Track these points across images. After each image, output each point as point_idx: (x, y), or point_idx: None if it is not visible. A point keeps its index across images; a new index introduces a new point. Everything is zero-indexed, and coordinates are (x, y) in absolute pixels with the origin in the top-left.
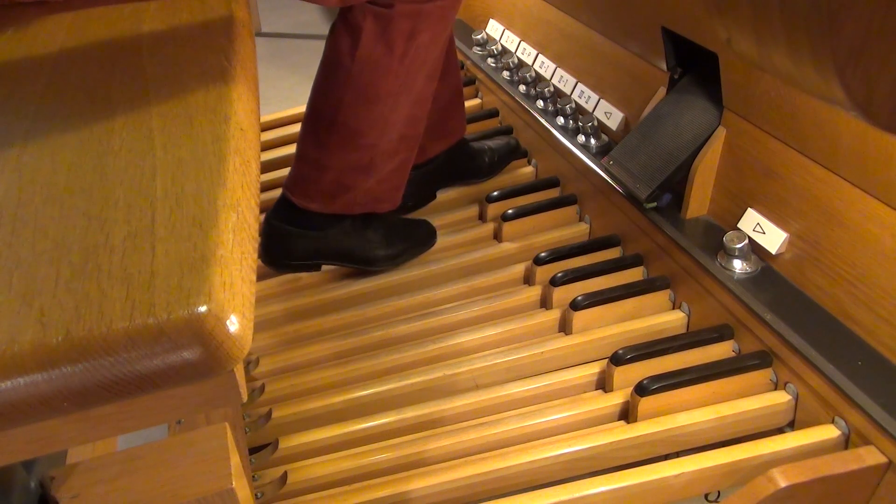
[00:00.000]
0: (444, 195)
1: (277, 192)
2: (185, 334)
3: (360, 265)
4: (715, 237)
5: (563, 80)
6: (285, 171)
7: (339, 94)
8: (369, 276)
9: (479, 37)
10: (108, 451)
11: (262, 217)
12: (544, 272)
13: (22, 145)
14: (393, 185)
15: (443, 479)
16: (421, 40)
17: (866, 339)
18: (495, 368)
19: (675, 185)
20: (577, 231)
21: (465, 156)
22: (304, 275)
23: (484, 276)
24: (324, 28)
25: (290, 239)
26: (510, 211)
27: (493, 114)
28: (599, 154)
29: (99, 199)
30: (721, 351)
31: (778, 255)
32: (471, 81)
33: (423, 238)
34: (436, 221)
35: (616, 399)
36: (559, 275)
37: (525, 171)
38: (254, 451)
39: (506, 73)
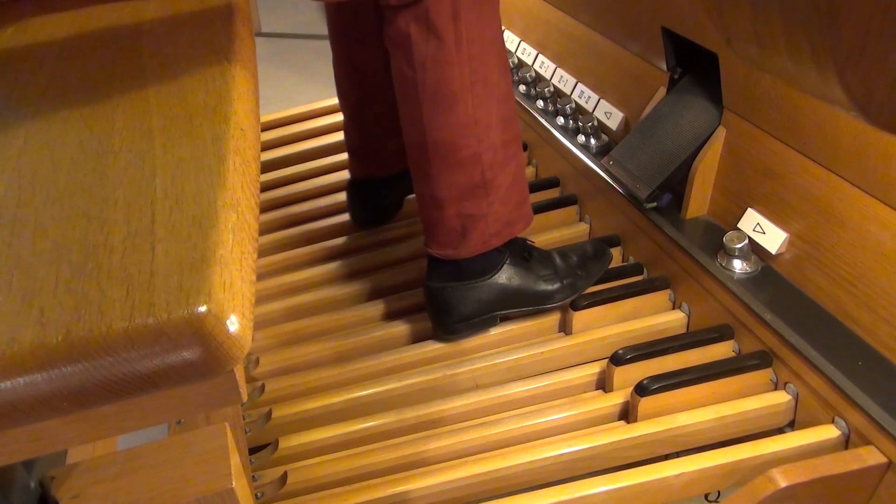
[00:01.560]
0: None
1: (277, 192)
2: (185, 334)
3: (537, 305)
4: (715, 237)
5: (563, 80)
6: (285, 171)
7: (417, 112)
8: (369, 276)
9: None
10: (108, 451)
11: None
12: None
13: (22, 145)
14: (518, 201)
15: (443, 479)
16: (467, 18)
17: (866, 339)
18: (495, 368)
19: (675, 185)
20: (577, 231)
21: None
22: (303, 274)
23: None
24: (324, 28)
25: (452, 296)
26: None
27: None
28: (599, 154)
29: (99, 199)
30: (721, 351)
31: (778, 255)
32: None
33: (593, 255)
34: None
35: (616, 399)
36: None
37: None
38: (254, 451)
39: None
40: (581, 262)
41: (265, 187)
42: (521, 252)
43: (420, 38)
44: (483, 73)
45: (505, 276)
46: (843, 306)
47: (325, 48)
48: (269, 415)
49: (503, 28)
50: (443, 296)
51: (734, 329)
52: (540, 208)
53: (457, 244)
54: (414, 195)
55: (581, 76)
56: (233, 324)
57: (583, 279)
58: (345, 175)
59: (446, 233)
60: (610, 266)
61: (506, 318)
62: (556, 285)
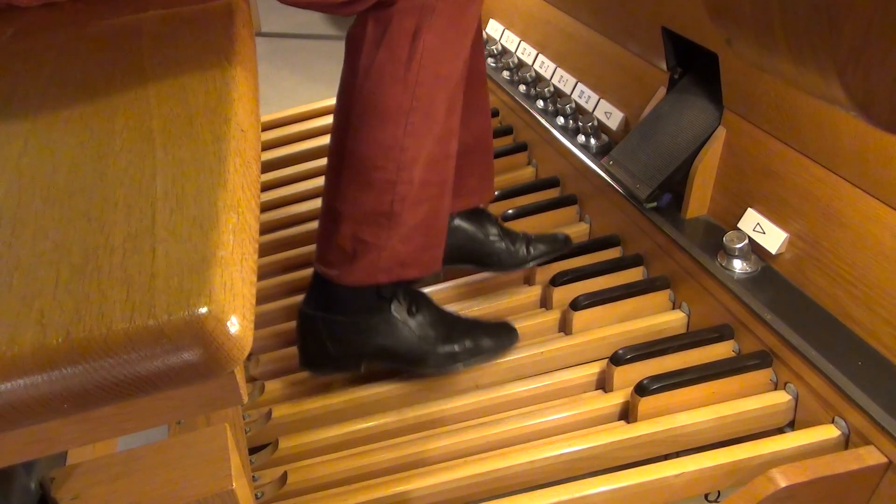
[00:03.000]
0: None
1: (277, 192)
2: (186, 336)
3: (408, 365)
4: (715, 237)
5: (563, 80)
6: (285, 171)
7: (347, 118)
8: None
9: None
10: (109, 452)
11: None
12: (544, 272)
13: (22, 146)
14: (423, 244)
15: (443, 479)
16: (427, 43)
17: (866, 339)
18: (495, 368)
19: (675, 185)
20: (577, 231)
21: (477, 234)
22: (303, 273)
23: (484, 276)
24: (324, 28)
25: (321, 328)
26: (510, 211)
27: (494, 114)
28: (599, 154)
29: (99, 200)
30: (721, 351)
31: (778, 255)
32: None
33: (491, 332)
34: None
35: (616, 399)
36: (559, 275)
37: (525, 172)
38: (254, 451)
39: (506, 73)
40: (472, 334)
41: (265, 187)
42: (409, 304)
43: (372, 43)
44: (427, 104)
45: (382, 323)
46: (843, 306)
47: (325, 48)
48: (269, 415)
49: (503, 28)
50: (312, 325)
51: (734, 329)
52: (540, 208)
53: (343, 266)
54: None
55: (581, 76)
56: (233, 325)
57: (466, 353)
58: None
59: (336, 251)
60: (609, 260)
61: (370, 367)
62: (435, 349)
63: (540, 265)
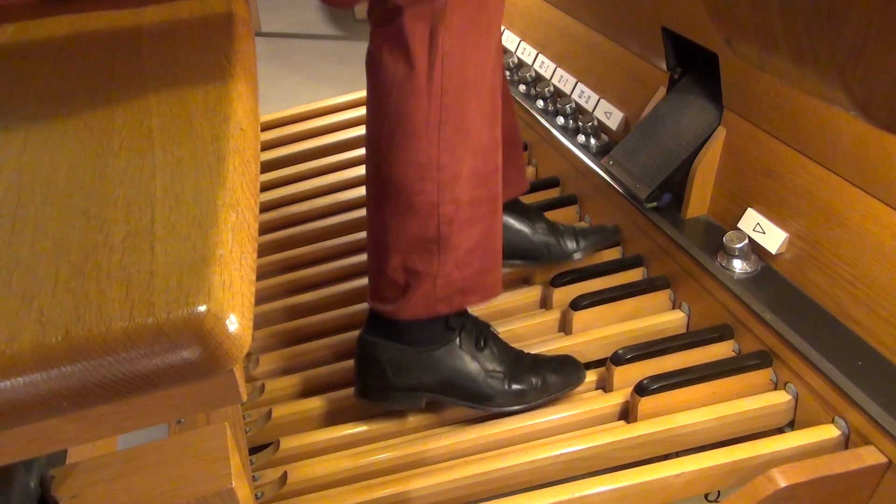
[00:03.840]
0: None
1: (277, 192)
2: (185, 334)
3: (474, 402)
4: (715, 237)
5: (563, 80)
6: (285, 171)
7: (377, 141)
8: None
9: None
10: (108, 450)
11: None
12: (544, 273)
13: (22, 145)
14: (480, 269)
15: (443, 479)
16: (446, 47)
17: (866, 339)
18: None
19: (675, 185)
20: None
21: (524, 229)
22: (303, 273)
23: None
24: (324, 28)
25: (382, 355)
26: None
27: None
28: (599, 154)
29: (98, 199)
30: (721, 351)
31: (778, 255)
32: None
33: (559, 368)
34: None
35: (616, 399)
36: (559, 275)
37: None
38: (254, 451)
39: (506, 73)
40: (540, 371)
41: (265, 187)
42: (476, 336)
43: (390, 59)
44: (457, 115)
45: (448, 356)
46: (843, 306)
47: (326, 48)
48: (269, 415)
49: (503, 28)
50: (374, 352)
51: (734, 329)
52: (540, 208)
53: (397, 301)
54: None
55: (581, 76)
56: (232, 323)
57: (535, 391)
58: (345, 175)
59: (388, 285)
60: (609, 261)
61: (431, 402)
62: (503, 387)
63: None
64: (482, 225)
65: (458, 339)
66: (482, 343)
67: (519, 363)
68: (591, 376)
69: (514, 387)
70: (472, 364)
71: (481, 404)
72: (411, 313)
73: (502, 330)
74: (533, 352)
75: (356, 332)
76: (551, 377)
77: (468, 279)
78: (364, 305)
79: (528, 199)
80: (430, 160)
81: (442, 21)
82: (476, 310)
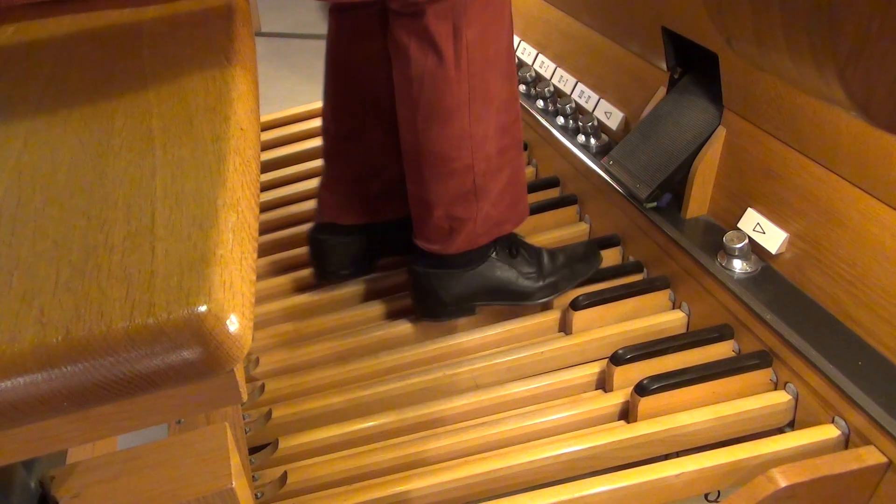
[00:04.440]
0: None
1: (277, 192)
2: (185, 334)
3: (517, 301)
4: (715, 237)
5: (563, 79)
6: (286, 171)
7: (412, 121)
8: (369, 276)
9: None
10: (108, 450)
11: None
12: None
13: (22, 145)
14: (511, 202)
15: (443, 479)
16: (469, 38)
17: (866, 339)
18: (495, 368)
19: (675, 185)
20: (577, 231)
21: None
22: (303, 273)
23: None
24: (324, 28)
25: (435, 282)
26: None
27: None
28: (599, 154)
29: (99, 199)
30: (721, 351)
31: (778, 255)
32: None
33: (582, 256)
34: None
35: (616, 399)
36: None
37: (526, 174)
38: (254, 451)
39: None
40: (567, 263)
41: (265, 187)
42: (508, 248)
43: (418, 52)
44: (482, 89)
45: (488, 269)
46: (843, 306)
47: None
48: (269, 415)
49: None
50: (426, 280)
51: (734, 329)
52: (540, 208)
53: (444, 242)
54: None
55: (581, 76)
56: (233, 323)
57: (565, 280)
58: None
59: (434, 231)
60: (609, 265)
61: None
62: (538, 284)
63: None
64: (510, 167)
65: (493, 254)
66: (514, 251)
67: (549, 260)
68: (591, 376)
69: (548, 280)
70: (509, 271)
71: (524, 301)
72: (457, 249)
73: (502, 330)
74: (532, 351)
75: (356, 332)
76: (577, 266)
77: (502, 213)
78: (365, 305)
79: (529, 199)
80: (464, 132)
81: (464, 16)
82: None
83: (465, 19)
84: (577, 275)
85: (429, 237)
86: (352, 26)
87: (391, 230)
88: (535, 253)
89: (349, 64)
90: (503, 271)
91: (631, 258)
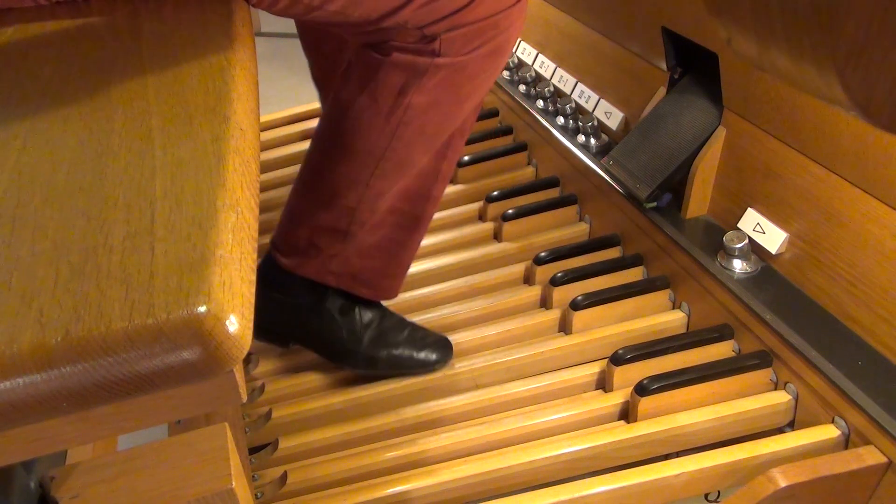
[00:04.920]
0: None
1: (277, 192)
2: (185, 334)
3: (333, 359)
4: (715, 237)
5: (563, 79)
6: (286, 171)
7: (322, 136)
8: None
9: None
10: (108, 451)
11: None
12: (544, 272)
13: (21, 145)
14: (377, 267)
15: (443, 479)
16: (414, 101)
17: (866, 339)
18: (495, 368)
19: (675, 185)
20: (577, 231)
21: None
22: None
23: (484, 276)
24: None
25: (258, 302)
26: (510, 211)
27: (494, 113)
28: (599, 154)
29: (98, 200)
30: (721, 351)
31: (778, 255)
32: None
33: (429, 346)
34: (435, 219)
35: (616, 399)
36: (559, 275)
37: (525, 172)
38: (254, 451)
39: (506, 73)
40: (404, 345)
41: (265, 187)
42: (348, 300)
43: (356, 84)
44: (402, 155)
45: (314, 314)
46: (843, 306)
47: None
48: (269, 415)
49: None
50: (258, 293)
51: (734, 329)
52: (540, 208)
53: (294, 259)
54: None
55: (581, 76)
56: (232, 324)
57: (385, 363)
58: None
59: (290, 244)
60: (609, 260)
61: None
62: (359, 350)
63: None
64: (395, 233)
65: (325, 299)
66: (348, 307)
67: (389, 333)
68: (591, 376)
69: (371, 352)
70: (333, 324)
71: (338, 361)
72: (303, 273)
73: (502, 329)
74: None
75: None
76: (417, 355)
77: (365, 271)
78: None
79: (529, 200)
80: (362, 180)
81: (417, 80)
82: (475, 310)
83: (418, 85)
84: (402, 364)
85: (283, 249)
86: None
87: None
88: (378, 317)
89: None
90: (328, 322)
91: None
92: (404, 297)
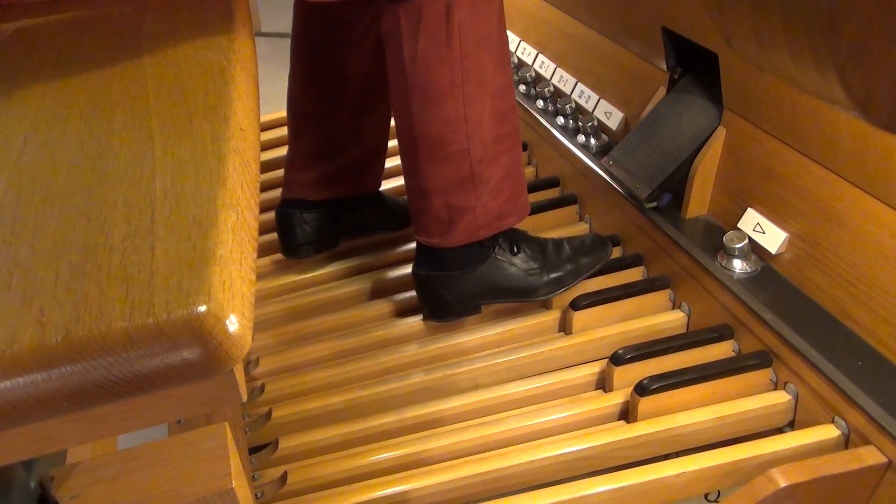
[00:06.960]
0: None
1: (277, 192)
2: (185, 334)
3: (520, 298)
4: (715, 237)
5: (563, 79)
6: None
7: (406, 105)
8: (369, 276)
9: None
10: (108, 450)
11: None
12: None
13: (22, 145)
14: (511, 195)
15: (443, 479)
16: (460, 16)
17: (866, 339)
18: (495, 368)
19: (675, 185)
20: (577, 231)
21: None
22: (304, 274)
23: None
24: None
25: (437, 284)
26: None
27: None
28: (599, 154)
29: (98, 199)
30: (721, 351)
31: (778, 255)
32: None
33: (588, 249)
34: None
35: (616, 399)
36: None
37: (525, 171)
38: (254, 451)
39: None
40: (572, 257)
41: (265, 187)
42: (509, 245)
43: (410, 34)
44: (476, 71)
45: (490, 268)
46: (843, 306)
47: None
48: (269, 415)
49: None
50: (427, 284)
51: (734, 329)
52: (540, 208)
53: (443, 233)
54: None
55: (581, 76)
56: (232, 323)
57: (570, 274)
58: None
59: (433, 222)
60: (610, 260)
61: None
62: (543, 279)
63: None
64: (508, 156)
65: (494, 253)
66: (515, 248)
67: (554, 254)
68: (591, 376)
69: (553, 275)
70: (511, 269)
71: (528, 297)
72: (457, 241)
73: (502, 329)
74: (532, 351)
75: (356, 332)
76: (582, 259)
77: (502, 206)
78: (365, 305)
79: (529, 199)
80: (458, 115)
81: None
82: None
83: (456, 0)
84: (583, 269)
85: (428, 230)
86: (323, 13)
87: (356, 206)
88: (538, 247)
89: (320, 48)
90: (506, 269)
91: None
92: (404, 296)
